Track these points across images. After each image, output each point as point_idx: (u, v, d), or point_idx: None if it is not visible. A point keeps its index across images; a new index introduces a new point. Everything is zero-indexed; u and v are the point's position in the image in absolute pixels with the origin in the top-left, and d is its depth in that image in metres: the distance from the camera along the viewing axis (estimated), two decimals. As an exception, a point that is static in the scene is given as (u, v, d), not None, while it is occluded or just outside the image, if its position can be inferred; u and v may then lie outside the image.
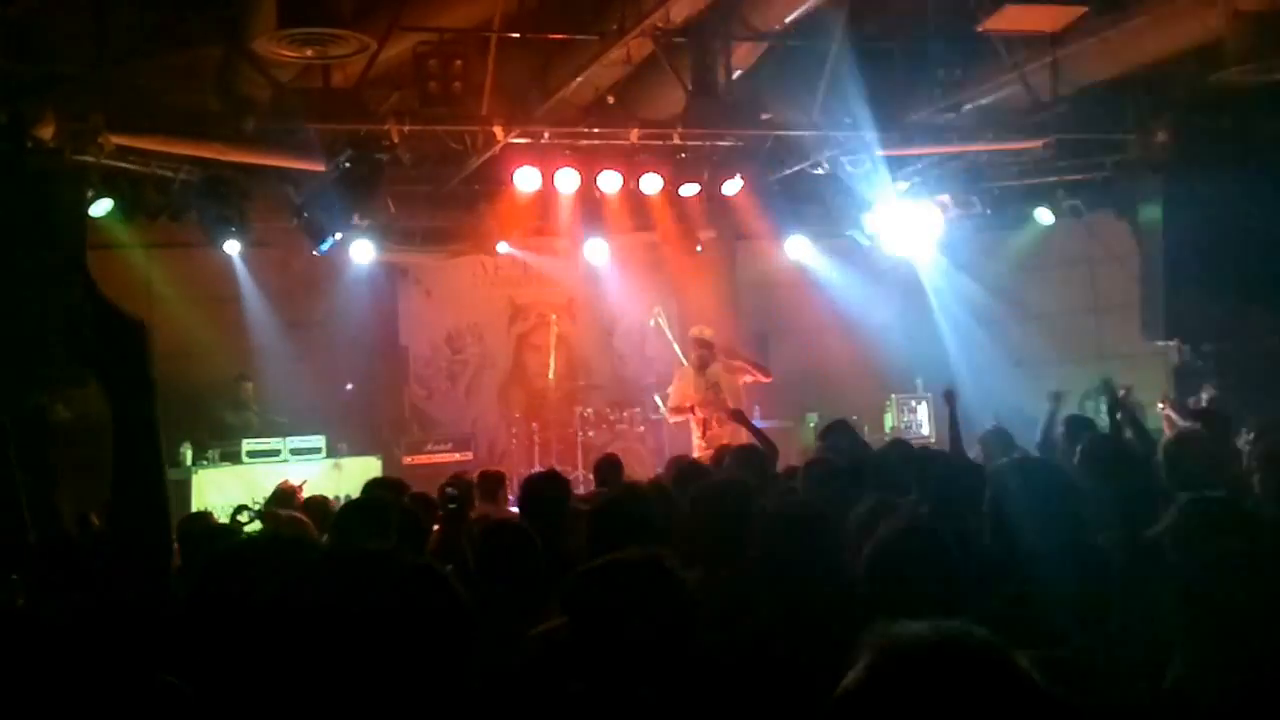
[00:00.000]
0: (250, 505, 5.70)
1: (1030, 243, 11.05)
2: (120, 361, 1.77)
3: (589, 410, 10.49)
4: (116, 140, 7.67)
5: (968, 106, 8.36)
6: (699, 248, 10.46)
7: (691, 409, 8.56)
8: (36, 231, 7.16)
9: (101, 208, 8.29)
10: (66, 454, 7.44)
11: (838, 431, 5.94)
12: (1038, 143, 8.83)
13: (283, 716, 1.61)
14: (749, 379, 8.71)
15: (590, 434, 10.26)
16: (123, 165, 8.14)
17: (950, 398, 6.21)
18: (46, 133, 7.26)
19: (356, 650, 1.55)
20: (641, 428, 10.43)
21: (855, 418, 8.55)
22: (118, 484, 1.83)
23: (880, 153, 8.80)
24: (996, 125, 8.58)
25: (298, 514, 5.00)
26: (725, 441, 7.46)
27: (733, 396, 8.48)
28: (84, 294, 1.78)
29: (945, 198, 10.01)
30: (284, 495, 6.18)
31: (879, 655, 1.27)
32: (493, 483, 6.68)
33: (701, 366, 8.61)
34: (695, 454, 7.86)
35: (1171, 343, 9.23)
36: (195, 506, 8.28)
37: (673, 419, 9.05)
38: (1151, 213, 8.92)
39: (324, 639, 1.56)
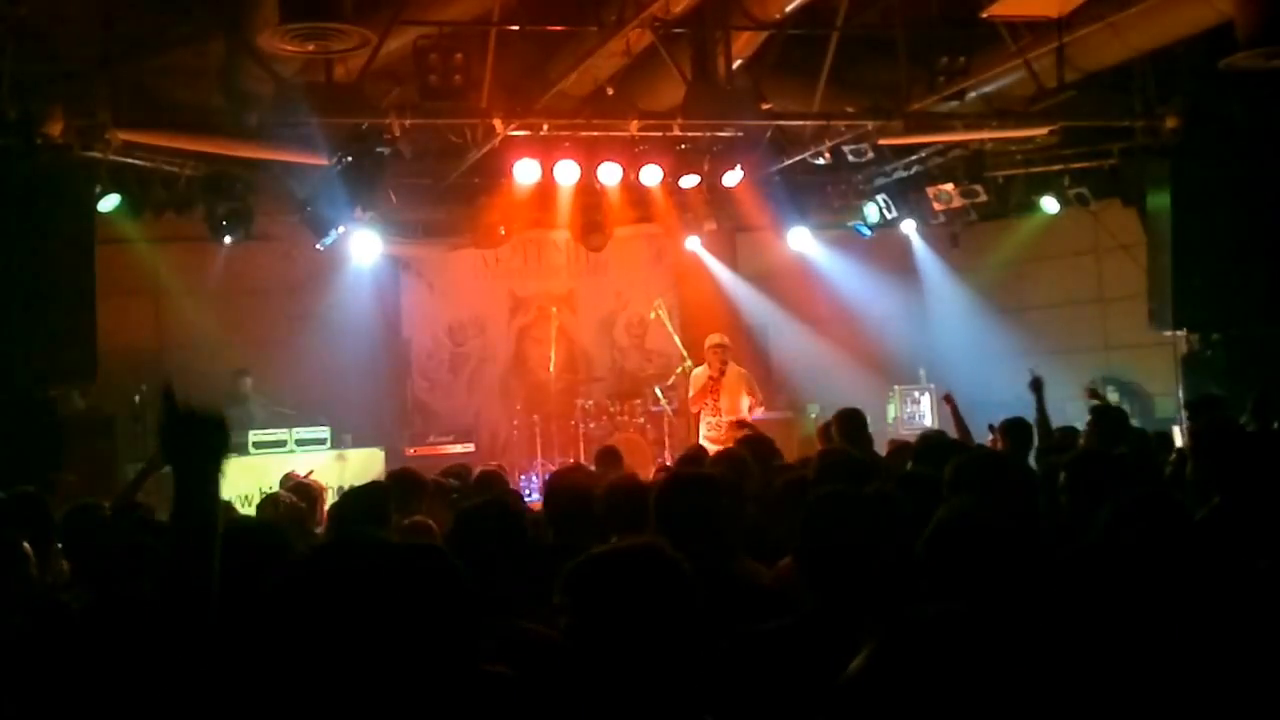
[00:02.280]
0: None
1: (1035, 232, 10.98)
2: (198, 459, 1.99)
3: (589, 402, 10.54)
4: (123, 136, 7.75)
5: (971, 94, 8.32)
6: (697, 239, 10.44)
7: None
8: (45, 227, 7.25)
9: (109, 203, 8.37)
10: (79, 444, 7.54)
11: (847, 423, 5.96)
12: (1043, 130, 8.77)
13: (296, 699, 1.63)
14: (750, 402, 8.69)
15: (591, 426, 10.30)
16: (129, 161, 8.22)
17: (950, 400, 6.20)
18: (55, 129, 7.33)
19: (366, 631, 1.58)
20: (641, 419, 10.45)
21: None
22: (177, 543, 1.98)
23: (882, 142, 8.77)
24: (1001, 113, 8.53)
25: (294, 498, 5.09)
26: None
27: (730, 410, 8.53)
28: (167, 405, 1.99)
29: (949, 187, 9.96)
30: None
31: (883, 640, 1.29)
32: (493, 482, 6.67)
33: (720, 374, 8.65)
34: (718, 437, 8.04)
35: (1180, 333, 9.15)
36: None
37: (693, 408, 9.08)
38: (1159, 201, 8.83)
39: (335, 622, 1.59)
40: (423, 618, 1.66)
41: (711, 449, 7.78)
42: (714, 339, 8.86)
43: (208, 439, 1.97)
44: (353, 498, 4.30)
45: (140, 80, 7.69)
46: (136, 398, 9.15)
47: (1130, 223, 9.88)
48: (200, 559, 1.92)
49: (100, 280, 7.62)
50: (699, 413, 8.87)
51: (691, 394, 8.84)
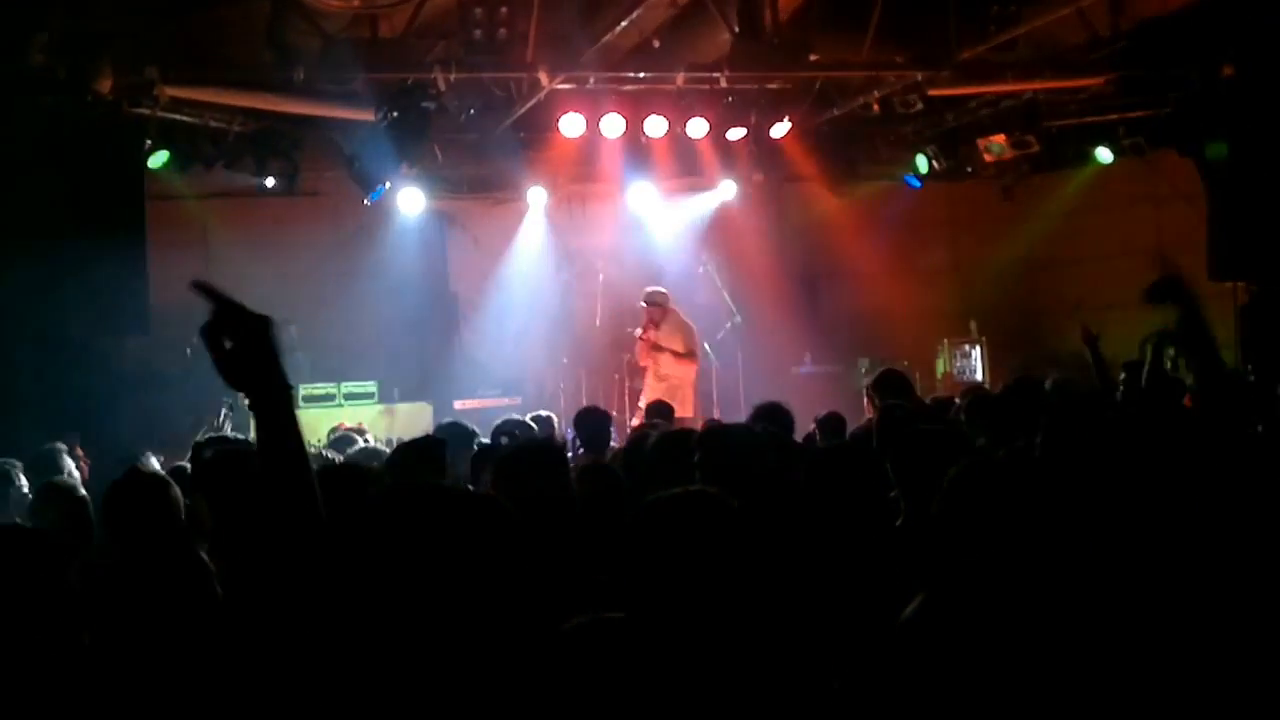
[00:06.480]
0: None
1: (1090, 182, 10.76)
2: (255, 366, 1.78)
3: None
4: (172, 93, 7.81)
5: (1023, 43, 8.13)
6: (745, 192, 10.39)
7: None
8: (96, 183, 7.38)
9: (158, 159, 8.47)
10: (131, 397, 7.73)
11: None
12: (1098, 80, 8.55)
13: (348, 641, 1.67)
14: (675, 352, 8.84)
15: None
16: (178, 117, 8.30)
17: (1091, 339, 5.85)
18: (104, 86, 7.40)
19: (423, 576, 1.60)
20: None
21: (905, 363, 8.51)
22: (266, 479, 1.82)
23: (932, 92, 8.62)
24: (1054, 62, 8.33)
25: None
26: (662, 393, 8.16)
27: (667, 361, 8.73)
28: (214, 303, 1.77)
29: (1001, 137, 9.77)
30: (340, 439, 6.36)
31: (935, 589, 1.31)
32: (543, 426, 6.77)
33: (655, 325, 8.79)
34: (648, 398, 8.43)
35: (1239, 284, 8.96)
36: (255, 450, 8.54)
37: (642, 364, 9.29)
38: (1217, 149, 8.61)
39: (392, 567, 1.61)
40: (475, 563, 1.67)
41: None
42: (649, 291, 9.07)
43: (262, 340, 1.77)
44: (409, 449, 4.37)
45: (189, 37, 7.74)
46: (188, 350, 9.31)
47: (1188, 171, 9.61)
48: (303, 485, 1.78)
49: (151, 235, 7.75)
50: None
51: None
